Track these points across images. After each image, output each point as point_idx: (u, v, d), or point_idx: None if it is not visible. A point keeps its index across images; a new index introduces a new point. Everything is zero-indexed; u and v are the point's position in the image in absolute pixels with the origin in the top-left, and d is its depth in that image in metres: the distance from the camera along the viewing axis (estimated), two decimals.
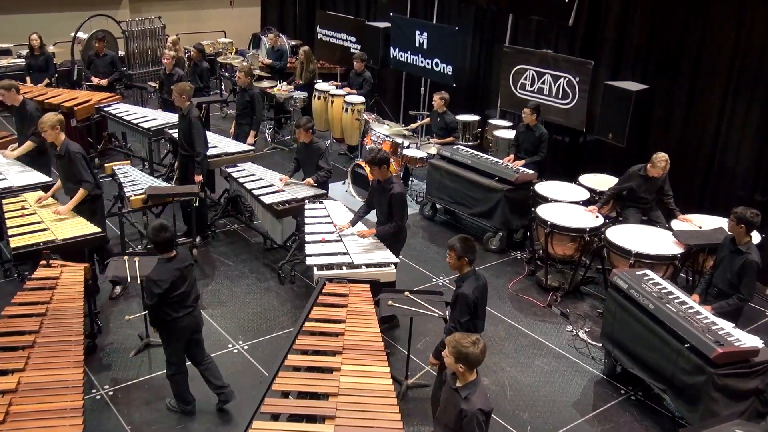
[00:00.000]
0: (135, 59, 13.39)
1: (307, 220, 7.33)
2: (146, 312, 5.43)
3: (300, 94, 12.18)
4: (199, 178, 8.27)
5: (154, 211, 8.04)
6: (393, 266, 6.51)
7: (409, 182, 10.57)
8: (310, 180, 8.05)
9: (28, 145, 8.15)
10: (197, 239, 8.39)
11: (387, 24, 12.44)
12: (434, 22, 12.07)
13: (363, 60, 11.57)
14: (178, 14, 15.80)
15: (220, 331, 7.04)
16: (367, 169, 9.83)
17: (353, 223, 7.12)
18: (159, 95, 11.52)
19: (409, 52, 12.01)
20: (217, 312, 7.35)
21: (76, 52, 13.54)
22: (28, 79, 11.74)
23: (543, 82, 10.08)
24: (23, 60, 12.35)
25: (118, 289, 7.54)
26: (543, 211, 7.92)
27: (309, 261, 6.47)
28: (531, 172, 8.76)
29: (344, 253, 6.63)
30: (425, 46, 11.67)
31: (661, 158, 7.56)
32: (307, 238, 6.93)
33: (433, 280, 8.16)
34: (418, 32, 11.74)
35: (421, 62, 11.80)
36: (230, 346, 6.81)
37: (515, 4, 10.45)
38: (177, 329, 5.57)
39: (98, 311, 6.85)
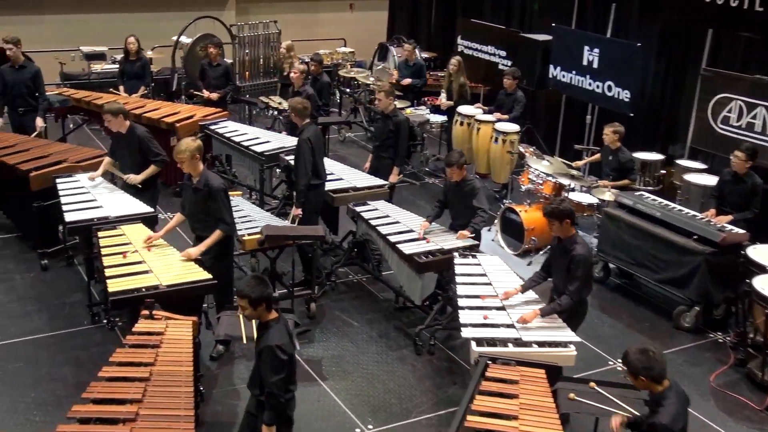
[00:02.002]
0: (245, 69, 13.52)
1: (458, 278, 7.03)
2: (267, 395, 5.16)
3: (437, 118, 12.04)
4: (297, 211, 8.26)
5: (270, 254, 7.92)
6: (573, 347, 6.09)
7: None
8: (465, 233, 7.82)
9: (153, 169, 8.33)
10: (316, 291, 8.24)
11: (547, 37, 12.29)
12: (608, 36, 11.73)
13: (515, 77, 11.35)
14: (289, 18, 16.07)
15: (345, 410, 6.81)
16: (524, 215, 9.53)
17: (524, 288, 6.78)
18: (279, 116, 11.54)
19: (573, 72, 11.76)
20: (340, 385, 7.13)
21: (177, 59, 13.94)
22: (121, 87, 12.07)
23: (755, 116, 9.49)
24: (117, 65, 12.73)
25: (221, 347, 7.45)
26: (762, 284, 7.32)
27: (465, 333, 6.16)
28: (742, 231, 8.19)
29: (509, 326, 6.27)
30: (595, 65, 11.40)
31: None
32: (461, 302, 6.61)
33: (610, 362, 7.69)
34: (587, 48, 11.48)
35: (589, 84, 11.52)
36: (357, 431, 6.55)
37: (717, 18, 9.96)
38: (285, 416, 5.31)
39: (201, 374, 6.73)
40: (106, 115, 8.24)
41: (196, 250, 6.93)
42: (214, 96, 11.92)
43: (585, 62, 11.51)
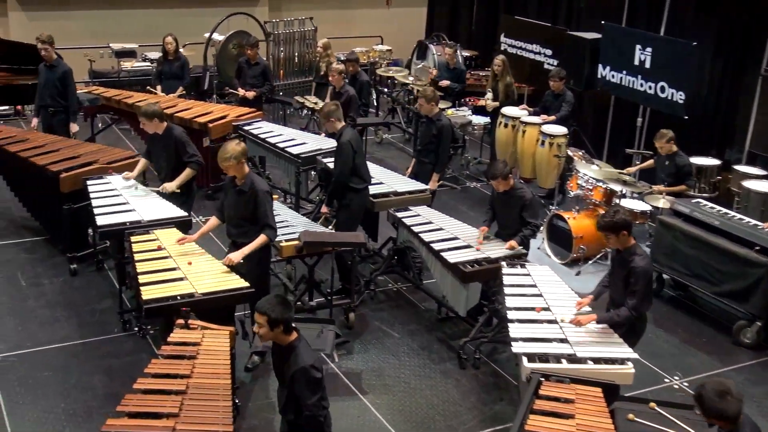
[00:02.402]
0: (279, 68, 13.53)
1: (507, 290, 6.92)
2: (307, 418, 5.09)
3: (480, 120, 11.92)
4: (325, 209, 8.37)
5: (308, 261, 7.87)
6: (630, 364, 5.97)
7: None
8: (514, 243, 7.73)
9: (188, 173, 8.29)
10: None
11: (595, 35, 12.16)
12: (662, 34, 11.58)
13: (561, 78, 11.24)
14: (323, 14, 16.03)
15: (386, 426, 6.74)
16: (572, 222, 9.42)
17: (597, 296, 6.75)
18: (314, 116, 11.51)
19: (624, 72, 11.62)
20: (381, 400, 7.06)
21: (209, 57, 13.95)
22: (158, 87, 12.10)
23: None
24: (154, 65, 12.76)
25: (256, 358, 7.40)
26: None
27: (516, 348, 6.05)
28: None
29: (562, 340, 6.15)
30: (648, 65, 11.23)
31: None
32: (510, 314, 6.50)
33: (665, 380, 7.54)
34: (639, 47, 11.32)
35: (641, 85, 11.37)
36: None
37: None
38: None
39: (237, 386, 6.68)
40: (141, 118, 8.23)
41: (238, 255, 6.88)
42: (250, 94, 11.92)
43: (636, 62, 11.35)
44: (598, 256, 9.62)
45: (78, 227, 8.98)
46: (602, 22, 11.99)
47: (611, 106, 12.59)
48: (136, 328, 7.79)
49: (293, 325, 5.18)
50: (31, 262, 9.14)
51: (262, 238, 6.95)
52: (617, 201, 9.54)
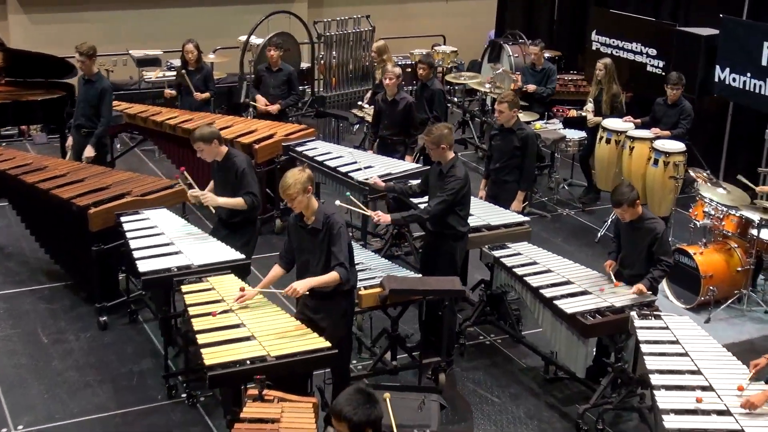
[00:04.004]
0: (331, 75, 13.50)
1: (644, 347, 6.68)
2: None
3: (575, 135, 11.73)
4: (376, 214, 8.02)
5: (392, 312, 7.67)
6: None
7: (757, 281, 9.81)
8: (642, 287, 7.48)
9: (239, 202, 8.09)
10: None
11: (712, 30, 11.98)
12: None
13: (683, 85, 10.93)
14: (373, 10, 15.79)
15: None
16: (699, 258, 9.31)
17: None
18: (372, 130, 11.33)
19: (749, 75, 11.42)
20: None
21: (246, 64, 13.86)
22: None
23: None
24: (174, 76, 12.63)
25: (331, 430, 7.15)
26: None
27: (668, 423, 5.74)
28: None
29: (721, 413, 5.83)
30: None
31: None
32: (654, 378, 6.21)
33: None
34: (767, 44, 11.04)
35: None
36: None
37: None
38: None
39: None
40: (197, 144, 7.99)
41: (304, 285, 6.68)
42: (274, 108, 11.75)
43: (764, 62, 11.15)
44: (732, 300, 9.38)
45: (108, 271, 8.88)
46: (720, 15, 11.77)
47: (729, 115, 12.36)
48: (185, 395, 7.64)
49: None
50: (52, 313, 9.05)
51: (333, 275, 6.71)
52: (754, 233, 9.27)
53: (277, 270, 7.16)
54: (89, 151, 10.27)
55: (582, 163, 12.31)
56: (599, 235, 11.10)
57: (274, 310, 6.85)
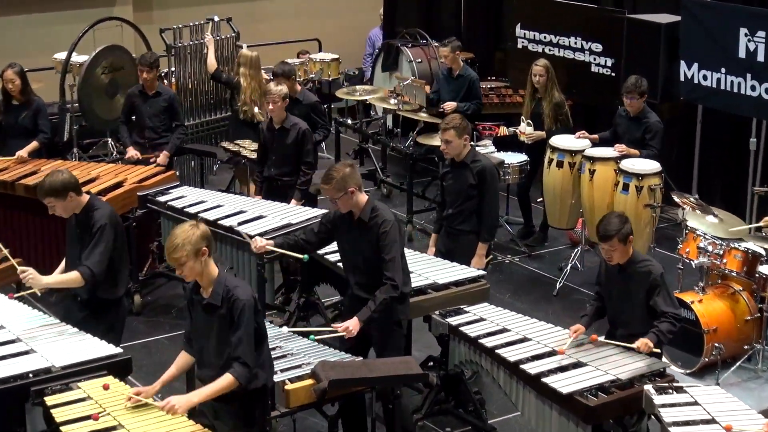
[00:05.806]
0: (187, 100, 13.25)
1: (673, 430, 6.32)
2: None
3: (514, 158, 11.66)
4: None
5: (328, 410, 7.24)
6: None
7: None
8: (648, 342, 7.28)
9: (73, 278, 7.55)
10: None
11: (672, 17, 12.08)
12: None
13: (643, 93, 10.86)
14: (218, 10, 15.36)
15: None
16: (698, 307, 9.25)
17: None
18: (257, 170, 11.04)
19: (723, 71, 11.41)
20: None
21: (67, 89, 13.53)
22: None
23: None
24: None
25: None
26: None
27: None
28: None
29: None
30: (761, 58, 11.06)
31: None
32: None
33: None
34: (744, 31, 11.12)
35: (752, 88, 11.20)
36: None
37: None
38: None
39: None
40: (47, 199, 7.54)
41: (184, 404, 6.33)
42: (162, 159, 11.36)
43: (742, 53, 11.16)
44: (744, 358, 9.21)
45: None
46: None
47: (698, 122, 12.38)
48: None
49: None
50: None
51: (227, 379, 6.37)
52: (763, 270, 9.15)
53: (184, 358, 6.90)
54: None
55: (521, 195, 12.15)
56: (557, 286, 10.94)
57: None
